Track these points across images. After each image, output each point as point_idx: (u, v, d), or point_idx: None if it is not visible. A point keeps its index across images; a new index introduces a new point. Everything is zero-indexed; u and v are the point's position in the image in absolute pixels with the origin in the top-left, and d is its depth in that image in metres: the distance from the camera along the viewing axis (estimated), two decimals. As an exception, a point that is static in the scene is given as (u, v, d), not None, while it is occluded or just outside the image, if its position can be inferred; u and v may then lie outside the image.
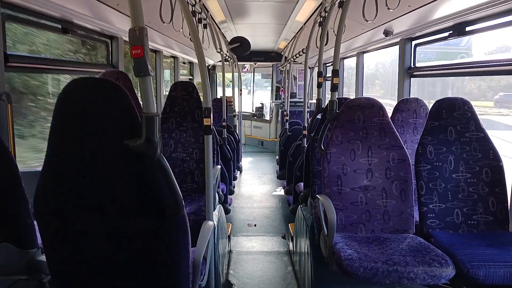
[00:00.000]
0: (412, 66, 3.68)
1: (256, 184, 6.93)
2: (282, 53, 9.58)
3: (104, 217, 1.37)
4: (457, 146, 2.40)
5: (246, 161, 8.74)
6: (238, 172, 7.01)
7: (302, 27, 5.70)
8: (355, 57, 5.06)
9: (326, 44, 3.49)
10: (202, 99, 2.53)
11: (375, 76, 6.67)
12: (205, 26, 4.33)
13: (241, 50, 7.02)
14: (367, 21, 2.83)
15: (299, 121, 6.59)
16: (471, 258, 1.94)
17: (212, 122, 2.29)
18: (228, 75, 8.52)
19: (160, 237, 1.40)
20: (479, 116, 2.44)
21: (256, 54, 9.47)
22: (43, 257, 1.71)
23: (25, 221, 1.66)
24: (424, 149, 2.41)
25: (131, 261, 1.43)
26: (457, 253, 1.99)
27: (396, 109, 3.17)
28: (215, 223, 2.35)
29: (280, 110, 8.96)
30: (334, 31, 3.17)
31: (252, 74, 11.16)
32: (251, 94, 11.25)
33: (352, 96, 5.19)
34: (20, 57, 2.42)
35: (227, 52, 6.71)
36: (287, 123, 6.76)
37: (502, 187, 2.35)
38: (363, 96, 4.81)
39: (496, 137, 2.59)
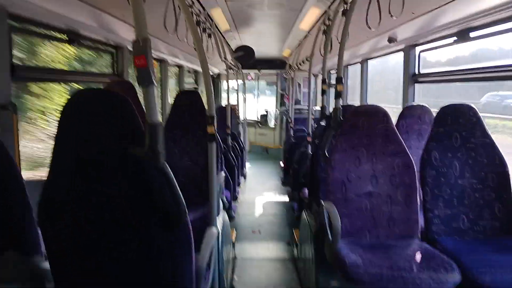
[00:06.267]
0: (417, 73, 3.68)
1: (261, 191, 6.91)
2: (286, 61, 9.61)
3: (107, 225, 1.38)
4: (462, 152, 2.39)
5: (251, 168, 8.73)
6: (243, 179, 7.01)
7: (306, 35, 5.73)
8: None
9: (330, 52, 3.50)
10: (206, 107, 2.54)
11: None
12: (209, 36, 4.37)
13: (245, 58, 7.05)
14: (370, 28, 2.84)
15: (304, 128, 6.59)
16: (477, 264, 1.93)
17: (216, 130, 2.29)
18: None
19: (163, 244, 1.40)
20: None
21: (260, 62, 9.48)
22: (46, 264, 1.72)
23: (29, 228, 1.67)
24: (429, 155, 2.40)
25: (135, 269, 1.43)
26: (463, 259, 1.98)
27: (401, 116, 3.17)
28: (219, 230, 2.35)
29: (284, 117, 8.97)
30: (338, 39, 3.19)
31: (257, 82, 11.19)
32: (256, 101, 11.26)
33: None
34: (26, 68, 2.46)
35: (231, 60, 6.75)
36: (292, 130, 6.76)
37: (508, 193, 2.33)
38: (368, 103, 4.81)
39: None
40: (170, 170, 1.34)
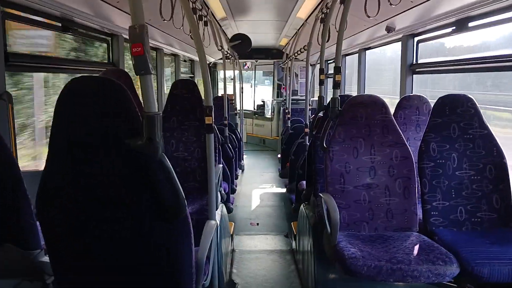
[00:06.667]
0: (415, 63, 3.66)
1: (258, 183, 6.90)
2: (283, 50, 9.53)
3: (106, 218, 1.36)
4: (460, 143, 2.38)
5: (248, 160, 8.71)
6: (240, 170, 6.99)
7: (303, 23, 5.67)
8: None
9: (328, 40, 3.47)
10: (203, 97, 2.51)
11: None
12: (205, 24, 4.31)
13: (242, 47, 6.99)
14: (369, 17, 2.81)
15: (301, 119, 6.57)
16: (475, 256, 1.93)
17: (213, 120, 2.27)
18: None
19: (163, 237, 1.39)
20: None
21: (257, 52, 9.40)
22: (46, 258, 1.70)
23: (27, 221, 1.65)
24: (427, 146, 2.39)
25: (134, 262, 1.42)
26: (461, 251, 1.98)
27: (399, 106, 3.15)
28: (218, 223, 2.34)
29: (281, 108, 8.94)
30: (336, 28, 3.15)
31: (254, 71, 11.13)
32: (253, 91, 11.20)
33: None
34: (20, 56, 2.41)
35: (228, 49, 6.68)
36: (289, 121, 6.73)
37: (506, 184, 2.33)
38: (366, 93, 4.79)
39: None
40: (168, 161, 1.32)
